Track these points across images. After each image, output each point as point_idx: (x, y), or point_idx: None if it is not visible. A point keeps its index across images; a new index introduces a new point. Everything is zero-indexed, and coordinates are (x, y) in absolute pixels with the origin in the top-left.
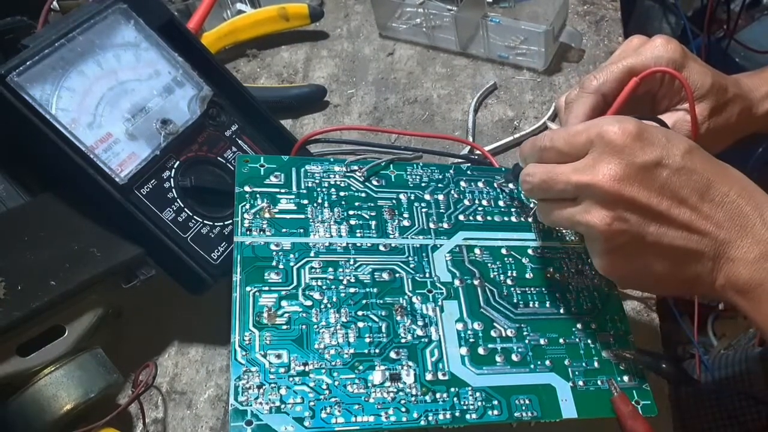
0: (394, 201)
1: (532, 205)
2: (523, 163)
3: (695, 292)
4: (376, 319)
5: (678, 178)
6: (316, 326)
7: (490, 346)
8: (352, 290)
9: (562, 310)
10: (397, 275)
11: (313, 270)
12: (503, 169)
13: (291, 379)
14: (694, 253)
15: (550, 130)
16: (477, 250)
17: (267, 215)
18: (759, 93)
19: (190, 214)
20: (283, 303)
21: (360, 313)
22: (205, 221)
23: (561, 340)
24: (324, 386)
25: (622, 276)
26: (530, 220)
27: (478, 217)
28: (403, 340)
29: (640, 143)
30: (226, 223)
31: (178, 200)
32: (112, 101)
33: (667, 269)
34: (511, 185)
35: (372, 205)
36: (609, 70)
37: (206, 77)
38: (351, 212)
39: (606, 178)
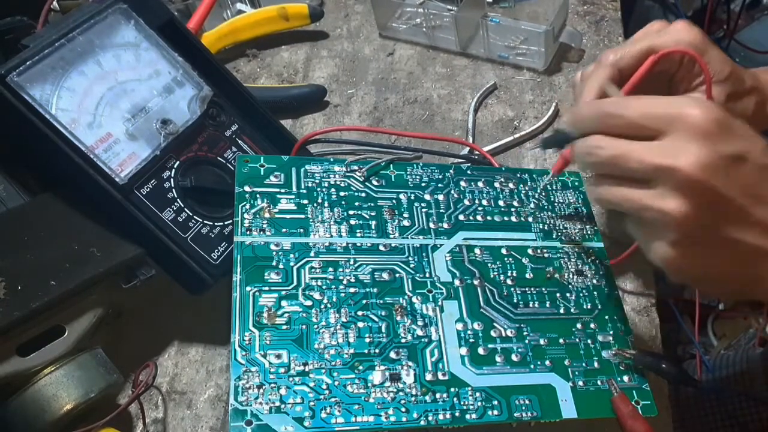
0: (394, 201)
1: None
2: (574, 127)
3: (755, 295)
4: (376, 319)
5: (759, 175)
6: (316, 326)
7: (490, 346)
8: (352, 290)
9: (562, 310)
10: (397, 275)
11: (313, 270)
12: (503, 168)
13: (291, 379)
14: (765, 253)
15: (619, 98)
16: (477, 250)
17: (267, 215)
18: None
19: (190, 214)
20: (283, 303)
21: (360, 313)
22: (205, 221)
23: (561, 340)
24: (324, 386)
25: (686, 270)
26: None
27: (478, 217)
28: (403, 340)
29: (725, 132)
30: (226, 223)
31: (178, 200)
32: (112, 101)
33: (734, 267)
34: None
35: (372, 205)
36: (628, 48)
37: (206, 77)
38: (351, 212)
39: (689, 165)
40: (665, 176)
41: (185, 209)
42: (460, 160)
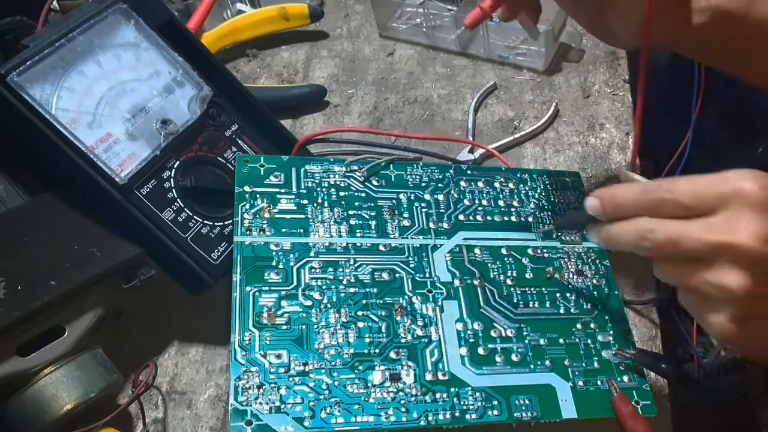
0: (394, 201)
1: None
2: (612, 210)
3: None
4: (376, 319)
5: None
6: (316, 326)
7: (490, 346)
8: (352, 290)
9: (562, 310)
10: (397, 275)
11: (313, 270)
12: (503, 168)
13: (291, 379)
14: None
15: (662, 181)
16: (477, 250)
17: (267, 215)
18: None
19: (190, 214)
20: (283, 303)
21: (360, 313)
22: (205, 221)
23: (561, 340)
24: (324, 386)
25: (746, 343)
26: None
27: (478, 217)
28: (403, 340)
29: None
30: (226, 223)
31: (178, 200)
32: (112, 101)
33: None
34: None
35: (372, 205)
36: None
37: (206, 77)
38: (351, 212)
39: (749, 238)
40: (725, 253)
41: (185, 209)
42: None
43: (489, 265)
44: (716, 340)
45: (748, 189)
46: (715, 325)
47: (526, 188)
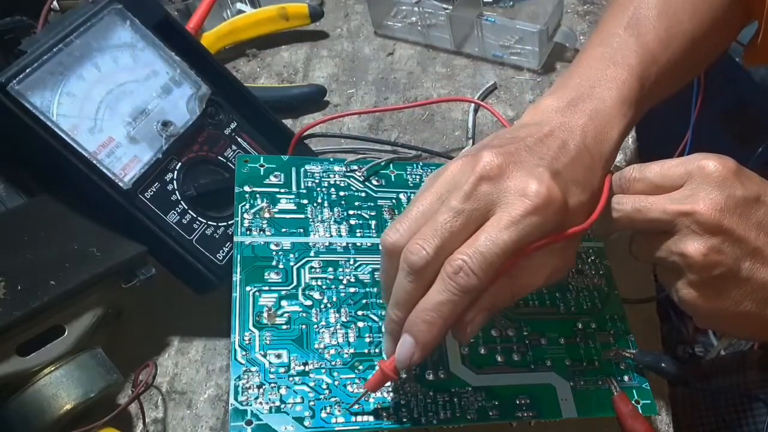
0: (394, 201)
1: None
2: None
3: None
4: (376, 319)
5: None
6: (316, 326)
7: (490, 345)
8: (352, 290)
9: (562, 310)
10: None
11: (313, 270)
12: None
13: (291, 378)
14: None
15: (638, 165)
16: None
17: (267, 215)
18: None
19: (195, 215)
20: (283, 303)
21: (360, 312)
22: (209, 222)
23: (561, 340)
24: (324, 386)
25: (708, 311)
26: None
27: None
28: None
29: (740, 179)
30: (229, 223)
31: (182, 202)
32: (112, 104)
33: (755, 308)
34: None
35: (372, 204)
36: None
37: (203, 74)
38: (351, 212)
39: (707, 207)
40: (685, 220)
41: (189, 211)
42: None
43: None
44: (684, 306)
45: (709, 167)
46: (680, 293)
47: None
